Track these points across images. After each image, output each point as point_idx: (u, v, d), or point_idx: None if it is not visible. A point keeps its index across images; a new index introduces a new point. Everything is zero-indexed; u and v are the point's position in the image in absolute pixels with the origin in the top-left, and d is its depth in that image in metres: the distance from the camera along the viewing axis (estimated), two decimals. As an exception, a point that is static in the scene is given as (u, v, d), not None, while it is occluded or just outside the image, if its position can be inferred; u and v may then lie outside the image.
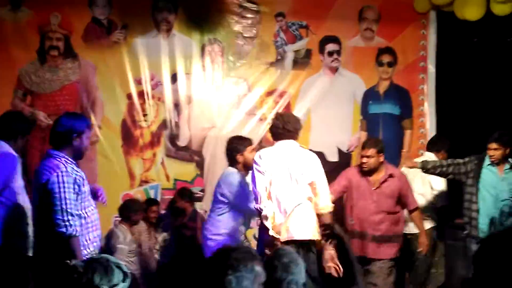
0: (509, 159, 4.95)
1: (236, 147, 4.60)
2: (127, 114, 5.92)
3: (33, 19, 5.78)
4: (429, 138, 6.26)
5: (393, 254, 4.92)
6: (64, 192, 3.24)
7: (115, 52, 5.89)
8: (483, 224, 4.85)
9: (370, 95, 6.33)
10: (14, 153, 3.99)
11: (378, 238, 4.86)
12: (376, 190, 4.87)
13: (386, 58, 6.34)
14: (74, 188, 3.29)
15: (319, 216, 4.11)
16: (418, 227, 5.11)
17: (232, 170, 4.61)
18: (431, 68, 6.37)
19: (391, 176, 4.90)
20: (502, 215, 4.86)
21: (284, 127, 4.18)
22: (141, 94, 5.93)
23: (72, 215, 3.25)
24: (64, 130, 3.39)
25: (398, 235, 4.98)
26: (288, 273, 2.61)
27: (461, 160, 5.03)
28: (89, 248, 3.39)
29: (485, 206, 4.87)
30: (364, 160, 4.86)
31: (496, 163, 4.89)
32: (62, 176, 3.26)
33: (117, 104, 5.91)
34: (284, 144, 4.20)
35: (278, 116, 4.35)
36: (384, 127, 6.28)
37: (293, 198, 4.10)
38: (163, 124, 5.98)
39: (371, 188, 4.88)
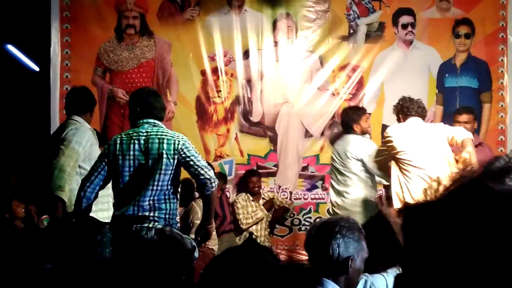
0: None
1: (352, 117, 4.74)
2: (201, 90, 6.01)
3: (110, -1, 5.95)
4: (509, 112, 6.03)
5: None
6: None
7: (189, 30, 5.98)
8: None
9: (446, 68, 6.16)
10: (90, 126, 4.15)
11: None
12: None
13: (463, 30, 6.13)
14: None
15: None
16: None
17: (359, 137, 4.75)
18: (512, 39, 6.14)
19: (480, 144, 4.84)
20: None
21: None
22: (214, 71, 6.00)
23: None
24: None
25: None
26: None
27: None
28: None
29: None
30: (468, 126, 4.69)
31: None
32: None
33: (191, 81, 6.00)
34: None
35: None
36: (461, 101, 6.09)
37: None
38: (236, 100, 6.03)
39: None
